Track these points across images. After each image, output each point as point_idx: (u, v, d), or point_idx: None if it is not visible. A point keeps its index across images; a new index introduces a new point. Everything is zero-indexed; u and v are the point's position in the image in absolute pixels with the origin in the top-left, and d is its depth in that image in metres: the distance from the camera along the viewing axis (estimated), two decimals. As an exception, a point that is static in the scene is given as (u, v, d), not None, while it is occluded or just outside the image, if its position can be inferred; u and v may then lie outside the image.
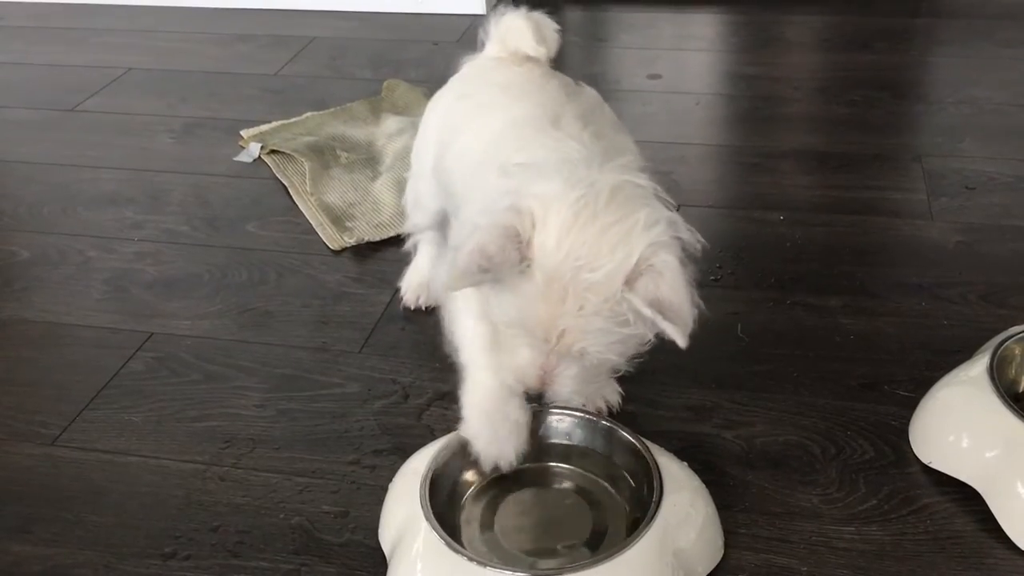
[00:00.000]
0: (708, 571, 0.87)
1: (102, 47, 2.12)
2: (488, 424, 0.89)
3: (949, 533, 0.91)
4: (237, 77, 1.95)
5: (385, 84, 1.83)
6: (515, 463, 0.89)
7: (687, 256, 0.76)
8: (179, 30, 2.19)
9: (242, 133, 1.68)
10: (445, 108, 1.08)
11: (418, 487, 0.88)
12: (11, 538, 0.94)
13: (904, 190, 1.47)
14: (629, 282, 0.73)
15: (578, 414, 0.97)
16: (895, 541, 0.90)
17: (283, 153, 1.60)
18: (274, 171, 1.57)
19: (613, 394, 1.05)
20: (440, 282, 0.82)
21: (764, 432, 1.03)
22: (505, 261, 0.72)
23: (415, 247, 1.23)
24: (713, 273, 1.29)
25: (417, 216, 1.19)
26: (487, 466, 0.89)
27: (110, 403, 1.11)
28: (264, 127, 1.70)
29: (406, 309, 1.23)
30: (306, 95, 1.85)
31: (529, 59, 1.05)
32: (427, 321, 1.22)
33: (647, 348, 0.82)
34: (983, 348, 1.03)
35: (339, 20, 2.22)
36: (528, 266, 0.73)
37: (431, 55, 2.02)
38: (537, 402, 0.89)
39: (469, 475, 0.94)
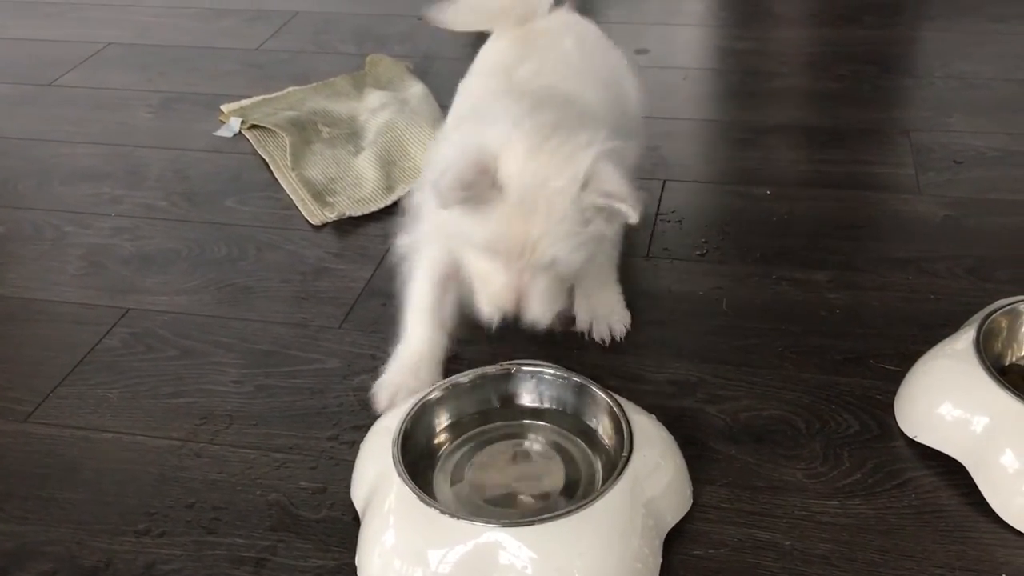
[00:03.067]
0: (677, 520, 0.88)
1: (80, 22, 2.08)
2: (395, 387, 1.01)
3: (934, 507, 0.90)
4: (218, 52, 1.92)
5: (368, 59, 1.80)
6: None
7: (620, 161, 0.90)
8: (158, 4, 2.16)
9: (222, 108, 1.66)
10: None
11: (390, 444, 0.88)
12: (-18, 516, 0.92)
13: (892, 164, 1.46)
14: (583, 186, 0.87)
15: (550, 371, 0.97)
16: (879, 515, 0.89)
17: (264, 128, 1.57)
18: (255, 146, 1.54)
19: (619, 324, 1.11)
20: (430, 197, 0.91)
21: (748, 407, 1.02)
22: (481, 186, 0.86)
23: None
24: (699, 248, 1.28)
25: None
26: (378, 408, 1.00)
27: (85, 379, 1.09)
28: (245, 102, 1.67)
29: (381, 285, 1.22)
30: (288, 70, 1.82)
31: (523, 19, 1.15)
32: (408, 296, 1.20)
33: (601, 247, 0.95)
34: (969, 321, 1.02)
35: (322, -6, 2.18)
36: (499, 191, 0.87)
37: (415, 30, 1.99)
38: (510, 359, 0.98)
39: (442, 434, 0.95)
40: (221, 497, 0.93)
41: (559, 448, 0.95)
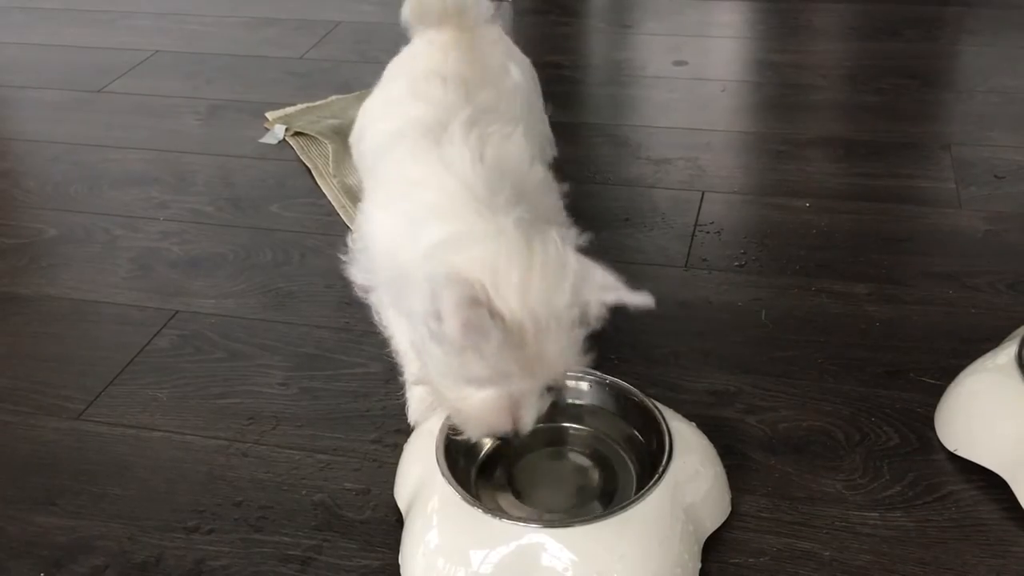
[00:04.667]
0: (716, 527, 0.88)
1: (130, 30, 2.13)
2: (427, 413, 0.97)
3: (974, 520, 0.90)
4: (263, 60, 1.95)
5: (410, 68, 1.83)
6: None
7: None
8: (206, 13, 2.20)
9: (267, 115, 1.69)
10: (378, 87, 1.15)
11: (433, 446, 0.89)
12: (36, 510, 0.95)
13: (932, 178, 1.45)
14: (575, 293, 0.81)
15: (591, 378, 0.99)
16: (919, 527, 0.89)
17: (307, 135, 1.60)
18: (298, 153, 1.57)
19: None
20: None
21: (788, 417, 1.02)
22: (480, 322, 0.76)
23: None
24: (738, 259, 1.28)
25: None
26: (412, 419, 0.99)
27: (135, 379, 1.11)
28: (289, 109, 1.70)
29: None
30: (331, 79, 1.85)
31: (459, 34, 1.09)
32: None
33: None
34: (1011, 336, 1.02)
35: (363, 4, 2.22)
36: (499, 321, 0.77)
37: (456, 40, 2.02)
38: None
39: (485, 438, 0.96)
40: (268, 496, 0.95)
41: (599, 453, 0.97)
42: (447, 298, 0.76)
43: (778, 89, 1.77)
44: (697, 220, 1.37)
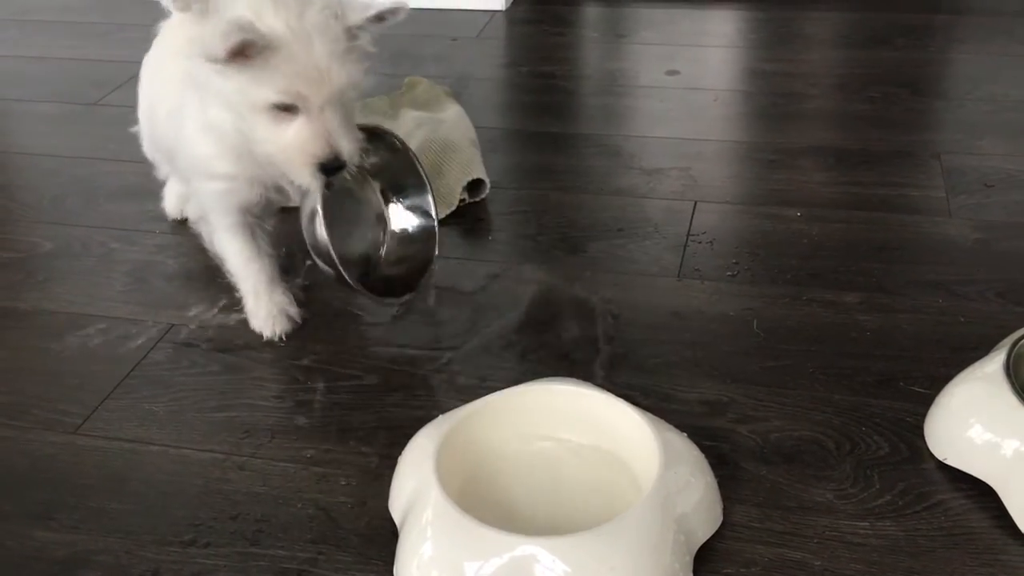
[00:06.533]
0: (708, 536, 0.89)
1: (125, 42, 2.13)
2: (262, 305, 1.20)
3: (963, 529, 0.91)
4: (257, 72, 1.96)
5: (406, 80, 1.84)
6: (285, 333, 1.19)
7: None
8: (200, 25, 2.20)
9: (262, 127, 1.69)
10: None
11: (428, 458, 0.90)
12: (34, 524, 0.96)
13: (922, 187, 1.47)
14: (337, 15, 1.00)
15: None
16: (909, 537, 0.90)
17: (302, 147, 1.61)
18: (293, 165, 1.58)
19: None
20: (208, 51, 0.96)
21: (779, 427, 1.03)
22: (251, 42, 0.94)
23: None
24: (730, 269, 1.29)
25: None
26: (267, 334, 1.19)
27: (131, 393, 1.12)
28: (284, 121, 1.71)
29: (418, 303, 1.25)
30: (325, 90, 1.86)
31: None
32: (446, 314, 1.23)
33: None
34: (999, 345, 1.03)
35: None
36: (270, 43, 0.95)
37: (450, 51, 2.03)
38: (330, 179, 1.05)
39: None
40: (263, 509, 0.96)
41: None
42: (216, 30, 0.93)
43: (769, 98, 1.78)
44: (690, 230, 1.38)
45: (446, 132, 1.59)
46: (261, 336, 1.20)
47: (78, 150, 1.68)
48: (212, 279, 1.32)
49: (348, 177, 1.08)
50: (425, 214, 1.24)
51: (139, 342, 1.20)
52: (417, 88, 1.81)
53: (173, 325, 1.23)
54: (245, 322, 1.22)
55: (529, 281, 1.29)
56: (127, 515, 0.96)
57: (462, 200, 1.45)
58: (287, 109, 1.00)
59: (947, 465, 0.96)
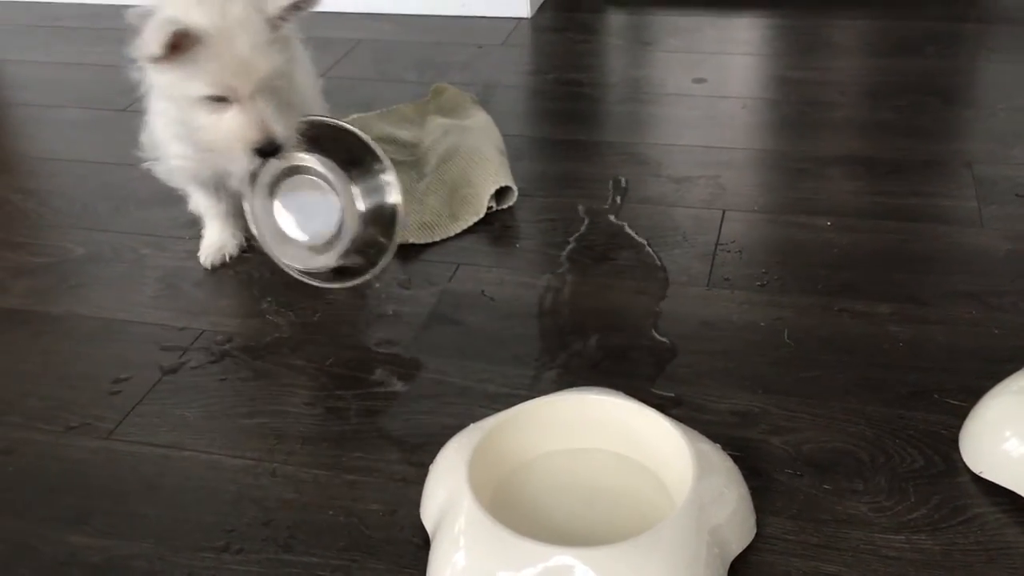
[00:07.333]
0: (742, 548, 0.89)
1: (153, 48, 2.15)
2: (207, 239, 1.38)
3: (1000, 543, 0.90)
4: (285, 79, 1.97)
5: (433, 87, 1.84)
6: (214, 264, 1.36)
7: None
8: (228, 32, 2.22)
9: (290, 134, 1.70)
10: None
11: (460, 467, 0.90)
12: (68, 529, 0.96)
13: (954, 197, 1.46)
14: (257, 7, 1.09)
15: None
16: (945, 551, 0.90)
17: (330, 154, 1.62)
18: (322, 172, 1.59)
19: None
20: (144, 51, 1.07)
21: (812, 438, 1.03)
22: (181, 40, 1.04)
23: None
24: (759, 278, 1.29)
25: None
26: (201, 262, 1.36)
27: (164, 398, 1.13)
28: (312, 128, 1.71)
29: (446, 311, 1.25)
30: (351, 97, 1.87)
31: None
32: (474, 322, 1.23)
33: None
34: (1036, 358, 1.02)
35: (383, 23, 2.24)
36: (199, 39, 1.05)
37: (475, 58, 2.03)
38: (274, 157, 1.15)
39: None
40: (296, 516, 0.96)
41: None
42: (149, 27, 1.03)
43: (797, 106, 1.78)
44: (718, 239, 1.37)
45: (474, 139, 1.59)
46: (276, 329, 1.23)
47: (107, 156, 1.69)
48: (242, 286, 1.33)
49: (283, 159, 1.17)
50: (387, 195, 1.22)
51: (171, 348, 1.21)
52: (443, 95, 1.81)
53: (204, 331, 1.24)
54: (276, 328, 1.23)
55: (557, 289, 1.29)
56: (160, 520, 0.97)
57: (490, 207, 1.45)
58: (221, 100, 1.10)
59: (983, 478, 0.95)
